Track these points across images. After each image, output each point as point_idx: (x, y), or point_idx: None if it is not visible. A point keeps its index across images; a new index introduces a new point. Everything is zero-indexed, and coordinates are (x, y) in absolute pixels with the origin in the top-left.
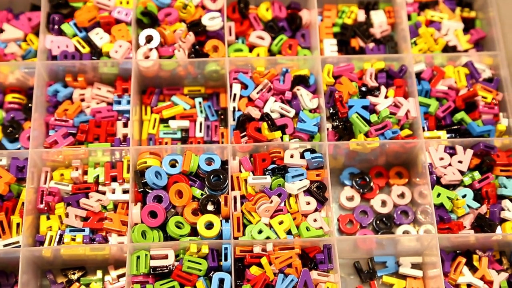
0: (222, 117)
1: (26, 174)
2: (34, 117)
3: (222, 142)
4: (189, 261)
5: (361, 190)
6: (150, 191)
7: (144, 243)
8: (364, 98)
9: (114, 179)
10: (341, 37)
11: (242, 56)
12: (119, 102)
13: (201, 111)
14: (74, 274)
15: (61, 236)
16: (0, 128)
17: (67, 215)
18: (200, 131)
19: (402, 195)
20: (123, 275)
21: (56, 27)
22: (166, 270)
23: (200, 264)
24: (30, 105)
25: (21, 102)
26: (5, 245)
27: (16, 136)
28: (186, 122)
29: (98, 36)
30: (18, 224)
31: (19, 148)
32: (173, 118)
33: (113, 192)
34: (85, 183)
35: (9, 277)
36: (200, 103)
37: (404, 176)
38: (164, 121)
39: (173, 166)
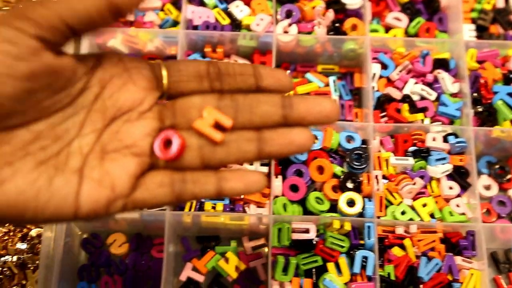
0: (357, 96)
1: None
2: None
3: (357, 122)
4: (331, 237)
5: (499, 179)
6: (289, 165)
7: (285, 215)
8: (508, 85)
9: None
10: (481, 22)
11: (381, 36)
12: None
13: (335, 90)
14: (209, 242)
15: (201, 203)
16: None
17: None
18: None
19: None
20: (257, 246)
21: None
22: (309, 244)
23: (342, 241)
24: None
25: None
26: None
27: None
28: None
29: (238, 9)
30: None
31: None
32: (307, 95)
33: (251, 164)
34: None
35: (146, 240)
36: (334, 81)
37: None
38: None
39: None
